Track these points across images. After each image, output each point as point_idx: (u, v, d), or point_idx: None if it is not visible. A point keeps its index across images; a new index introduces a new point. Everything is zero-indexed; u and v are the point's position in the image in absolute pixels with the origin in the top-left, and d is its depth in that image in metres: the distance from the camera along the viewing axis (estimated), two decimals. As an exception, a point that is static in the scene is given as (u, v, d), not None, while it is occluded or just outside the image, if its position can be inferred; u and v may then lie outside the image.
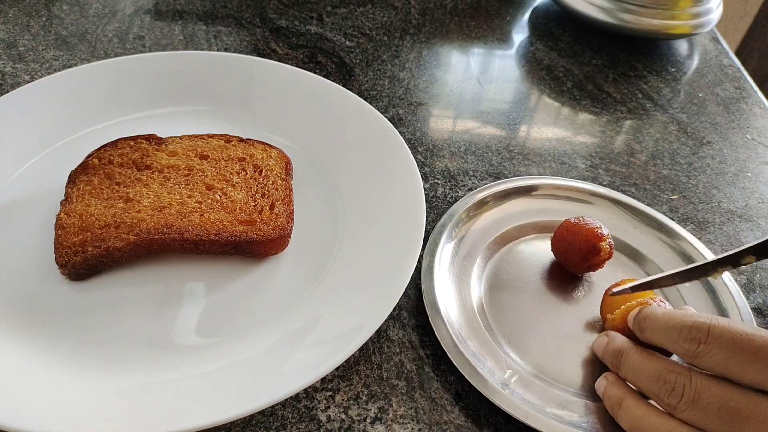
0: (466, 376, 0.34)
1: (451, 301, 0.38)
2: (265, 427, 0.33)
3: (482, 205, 0.44)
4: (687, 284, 0.41)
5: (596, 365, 0.36)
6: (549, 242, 0.42)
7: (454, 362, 0.34)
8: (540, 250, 0.43)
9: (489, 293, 0.40)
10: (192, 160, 0.43)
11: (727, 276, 0.41)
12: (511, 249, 0.43)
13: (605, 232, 0.39)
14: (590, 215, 0.41)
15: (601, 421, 0.33)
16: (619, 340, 0.34)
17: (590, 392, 0.35)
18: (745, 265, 0.32)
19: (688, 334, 0.29)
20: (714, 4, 0.67)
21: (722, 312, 0.39)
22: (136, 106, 0.49)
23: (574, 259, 0.40)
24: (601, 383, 0.34)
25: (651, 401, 0.32)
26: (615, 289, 0.37)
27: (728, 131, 0.59)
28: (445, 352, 0.35)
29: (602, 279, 0.41)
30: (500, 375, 0.35)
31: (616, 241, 0.42)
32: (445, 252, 0.41)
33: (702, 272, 0.34)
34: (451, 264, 0.40)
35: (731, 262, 0.33)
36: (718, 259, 0.33)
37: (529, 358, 0.36)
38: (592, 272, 0.41)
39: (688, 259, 0.43)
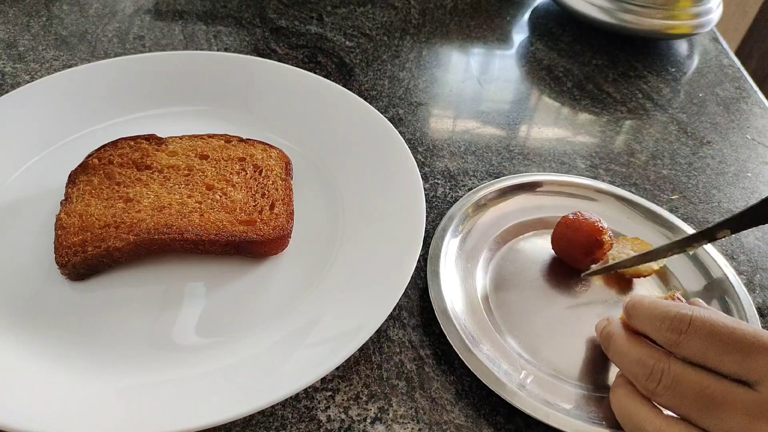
0: (485, 383, 0.33)
1: (460, 305, 0.38)
2: (265, 427, 0.32)
3: (481, 204, 0.44)
4: (697, 285, 0.42)
5: (607, 358, 0.36)
6: (548, 239, 0.42)
7: (470, 368, 0.34)
8: (539, 247, 0.43)
9: (495, 293, 0.40)
10: (192, 160, 0.43)
11: (733, 276, 0.41)
12: (512, 248, 0.43)
13: (605, 225, 0.40)
14: (587, 210, 0.41)
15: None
16: (613, 324, 0.35)
17: (606, 387, 0.35)
18: (720, 238, 0.34)
19: (670, 324, 0.30)
20: (714, 4, 0.67)
21: (727, 312, 0.39)
22: (136, 106, 0.49)
23: (576, 255, 0.40)
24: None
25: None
26: (587, 271, 0.40)
27: (728, 131, 0.59)
28: (451, 353, 0.35)
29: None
30: (516, 376, 0.35)
31: (615, 235, 0.43)
32: (449, 254, 0.40)
33: (678, 248, 0.36)
34: (455, 266, 0.40)
35: (707, 236, 0.34)
36: (693, 235, 0.35)
37: (541, 356, 0.36)
38: (593, 266, 0.41)
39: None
